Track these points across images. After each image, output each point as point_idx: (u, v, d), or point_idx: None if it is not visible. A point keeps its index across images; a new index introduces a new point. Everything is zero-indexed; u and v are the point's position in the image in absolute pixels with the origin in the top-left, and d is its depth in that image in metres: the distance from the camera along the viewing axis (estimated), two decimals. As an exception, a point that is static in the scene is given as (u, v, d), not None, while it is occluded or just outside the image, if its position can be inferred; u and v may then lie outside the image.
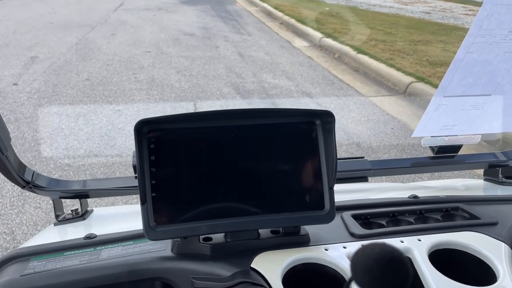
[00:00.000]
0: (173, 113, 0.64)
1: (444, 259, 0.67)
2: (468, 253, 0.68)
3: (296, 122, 0.68)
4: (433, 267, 0.63)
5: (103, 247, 0.70)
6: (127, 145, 2.87)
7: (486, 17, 0.74)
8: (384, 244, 0.29)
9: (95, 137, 3.00)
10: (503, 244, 0.68)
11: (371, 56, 5.15)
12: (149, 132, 0.63)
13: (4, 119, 0.73)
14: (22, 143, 2.89)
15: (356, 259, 0.30)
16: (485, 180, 1.04)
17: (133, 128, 0.61)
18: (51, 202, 0.86)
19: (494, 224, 0.74)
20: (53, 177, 0.87)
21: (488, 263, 0.65)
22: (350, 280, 0.30)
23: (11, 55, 5.06)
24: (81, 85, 4.12)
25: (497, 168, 1.01)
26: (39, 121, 3.31)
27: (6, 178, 0.78)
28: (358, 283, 0.29)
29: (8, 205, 2.31)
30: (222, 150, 0.65)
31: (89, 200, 0.90)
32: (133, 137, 0.62)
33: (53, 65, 4.71)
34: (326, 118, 0.67)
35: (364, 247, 0.30)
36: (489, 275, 0.64)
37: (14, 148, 0.77)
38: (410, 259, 0.67)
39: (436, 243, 0.69)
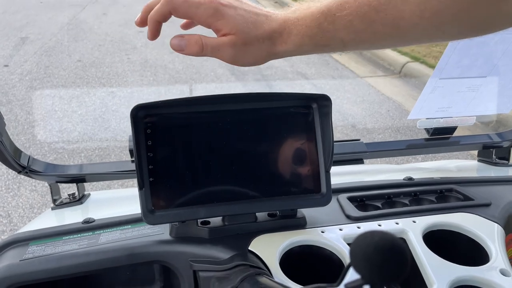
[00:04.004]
0: (169, 96, 0.63)
1: (438, 240, 0.68)
2: (462, 234, 0.69)
3: (292, 106, 0.68)
4: (427, 248, 0.64)
5: (102, 231, 0.71)
6: (122, 127, 2.86)
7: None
8: (384, 232, 0.29)
9: (89, 119, 2.98)
10: (496, 224, 0.70)
11: (367, 36, 5.11)
12: (146, 117, 0.63)
13: (-3, 104, 0.72)
14: (15, 125, 2.87)
15: (355, 247, 0.30)
16: (479, 161, 1.05)
17: (127, 110, 0.61)
18: (46, 185, 0.86)
19: (487, 205, 0.75)
20: (48, 160, 0.86)
21: (481, 243, 0.67)
22: (349, 266, 0.31)
23: (1, 36, 4.97)
24: (73, 67, 4.07)
25: (491, 149, 1.02)
26: (32, 103, 3.28)
27: (1, 163, 0.77)
28: (357, 270, 0.30)
29: (3, 188, 2.31)
30: (218, 135, 0.65)
31: (85, 183, 0.91)
32: (127, 119, 0.62)
33: (44, 46, 4.63)
34: (322, 102, 0.67)
35: (363, 235, 0.30)
36: (482, 255, 0.65)
37: (7, 131, 0.76)
38: (405, 240, 0.68)
39: (430, 225, 0.70)
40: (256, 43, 0.51)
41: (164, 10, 0.50)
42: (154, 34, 0.53)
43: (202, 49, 0.52)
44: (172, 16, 0.51)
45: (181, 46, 0.52)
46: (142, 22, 0.54)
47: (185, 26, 0.58)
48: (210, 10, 0.50)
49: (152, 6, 0.52)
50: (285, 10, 0.52)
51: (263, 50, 0.51)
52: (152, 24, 0.52)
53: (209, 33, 0.54)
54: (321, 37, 0.48)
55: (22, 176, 2.24)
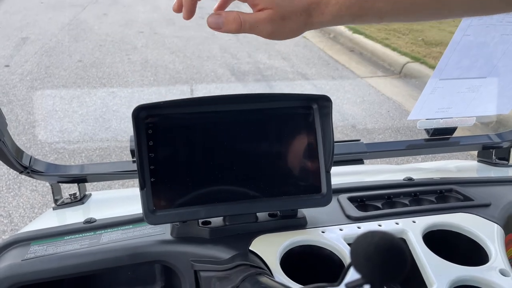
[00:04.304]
0: (170, 96, 0.64)
1: (438, 240, 0.69)
2: (461, 234, 0.69)
3: (293, 107, 0.68)
4: (427, 248, 0.64)
5: (103, 231, 0.71)
6: (122, 127, 2.87)
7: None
8: (384, 233, 0.30)
9: (89, 119, 2.98)
10: (495, 225, 0.70)
11: (367, 36, 5.11)
12: (147, 118, 0.63)
13: (-1, 103, 0.73)
14: (16, 125, 2.87)
15: (356, 247, 0.30)
16: (478, 161, 1.05)
17: (127, 110, 0.61)
18: (47, 184, 0.87)
19: (487, 205, 0.76)
20: (49, 160, 0.87)
21: (480, 243, 0.67)
22: (349, 266, 0.31)
23: (1, 36, 4.97)
24: (74, 67, 4.07)
25: (491, 150, 1.03)
26: (32, 104, 3.28)
27: (3, 164, 0.78)
28: (357, 270, 0.30)
29: (4, 188, 2.31)
30: (220, 135, 0.65)
31: (85, 184, 0.91)
32: (128, 119, 0.62)
33: (44, 46, 4.64)
34: (323, 103, 0.67)
35: (364, 235, 0.30)
36: (482, 255, 0.65)
37: (8, 131, 0.76)
38: (405, 240, 0.68)
39: (430, 225, 0.70)
40: (293, 16, 0.50)
41: None
42: (190, 11, 0.53)
43: (241, 26, 0.51)
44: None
45: (218, 24, 0.51)
46: (179, 7, 0.53)
47: (220, 7, 0.57)
48: None
49: None
50: None
51: (301, 22, 0.50)
52: (187, 2, 0.52)
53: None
54: (359, 7, 0.48)
55: (23, 176, 2.25)
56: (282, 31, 0.51)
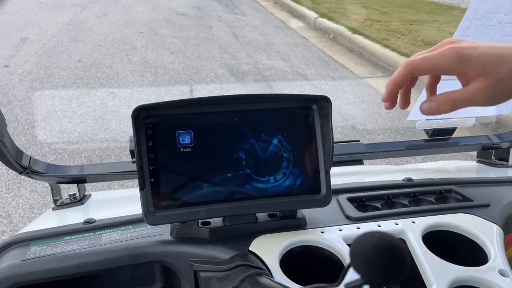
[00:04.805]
0: (169, 97, 0.64)
1: (438, 241, 0.69)
2: (461, 235, 0.69)
3: (293, 107, 0.68)
4: (426, 248, 0.65)
5: (103, 231, 0.71)
6: (122, 128, 2.87)
7: (482, 0, 0.73)
8: (383, 233, 0.30)
9: (89, 120, 2.98)
10: (494, 225, 0.70)
11: (366, 36, 5.12)
12: (147, 118, 0.63)
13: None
14: (16, 126, 2.87)
15: (355, 247, 0.30)
16: (478, 162, 1.05)
17: (127, 110, 0.61)
18: (46, 185, 0.87)
19: (486, 206, 0.76)
20: (48, 160, 0.87)
21: (480, 244, 0.67)
22: (349, 266, 0.31)
23: (1, 36, 4.97)
24: (73, 67, 4.07)
25: (490, 150, 1.03)
26: (32, 104, 3.28)
27: (3, 164, 0.78)
28: (357, 270, 0.30)
29: (3, 188, 2.31)
30: (219, 135, 0.66)
31: (85, 184, 0.91)
32: (127, 120, 0.62)
33: (44, 46, 4.64)
34: (323, 103, 0.67)
35: (363, 235, 0.30)
36: (481, 255, 0.66)
37: (8, 131, 0.76)
38: (404, 241, 0.68)
39: (429, 225, 0.70)
40: (509, 76, 0.47)
41: (405, 72, 0.50)
42: (405, 100, 0.54)
43: (455, 105, 0.50)
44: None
45: (432, 109, 0.51)
46: (389, 99, 0.54)
47: (431, 90, 0.57)
48: (453, 58, 0.48)
49: (394, 78, 0.53)
50: None
51: None
52: (391, 88, 0.52)
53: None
54: None
55: (22, 177, 2.25)
56: (501, 94, 0.49)
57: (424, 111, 0.51)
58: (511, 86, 0.48)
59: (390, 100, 0.54)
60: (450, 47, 0.48)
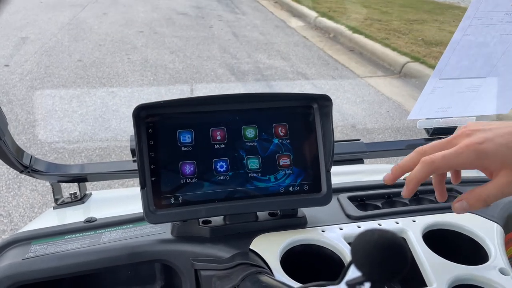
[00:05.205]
0: (170, 96, 0.64)
1: (438, 239, 0.69)
2: (461, 233, 0.70)
3: (293, 106, 0.68)
4: (427, 247, 0.65)
5: (104, 230, 0.71)
6: (122, 127, 2.87)
7: (483, -1, 0.73)
8: (384, 230, 0.30)
9: (89, 119, 2.98)
10: (495, 224, 0.70)
11: (367, 36, 5.12)
12: (148, 117, 0.63)
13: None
14: (16, 125, 2.87)
15: (356, 244, 0.31)
16: (478, 161, 1.05)
17: (127, 110, 0.61)
18: (47, 184, 0.87)
19: (486, 204, 0.76)
20: (49, 160, 0.87)
21: (480, 243, 0.67)
22: (350, 264, 0.31)
23: (1, 36, 4.97)
24: (73, 66, 4.07)
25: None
26: (32, 103, 3.28)
27: (3, 163, 0.78)
28: (358, 267, 0.30)
29: (4, 187, 2.31)
30: (220, 134, 0.66)
31: (86, 183, 0.91)
32: (127, 119, 0.62)
33: (44, 46, 4.64)
34: (323, 102, 0.67)
35: (364, 233, 0.30)
36: (481, 254, 0.66)
37: (9, 130, 0.76)
38: (405, 240, 0.68)
39: (430, 224, 0.70)
40: None
41: (427, 171, 0.52)
42: (413, 192, 0.56)
43: (486, 202, 0.51)
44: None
45: (465, 209, 0.53)
46: (392, 182, 0.58)
47: (440, 187, 0.59)
48: (471, 155, 0.49)
49: (404, 167, 0.56)
50: None
51: None
52: (414, 186, 0.54)
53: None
54: None
55: (23, 176, 2.25)
56: None
57: (457, 211, 0.53)
58: None
59: (412, 194, 0.56)
60: (468, 144, 0.49)
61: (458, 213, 0.53)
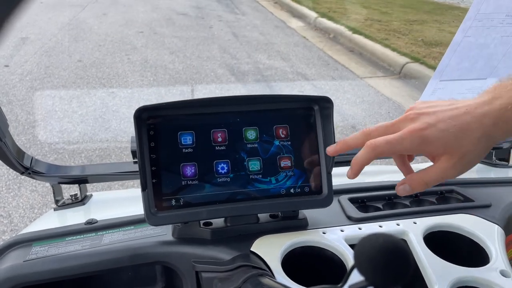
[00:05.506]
0: (170, 97, 0.64)
1: (439, 241, 0.69)
2: (462, 235, 0.70)
3: (294, 108, 0.68)
4: (428, 249, 0.65)
5: (105, 232, 0.71)
6: (122, 128, 2.87)
7: (483, 0, 0.74)
8: (388, 235, 0.30)
9: (89, 119, 2.98)
10: (496, 226, 0.70)
11: (367, 36, 5.12)
12: (149, 119, 0.63)
13: (-1, 104, 0.73)
14: (16, 126, 2.87)
15: (360, 248, 0.30)
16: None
17: (127, 110, 0.61)
18: (47, 185, 0.87)
19: (487, 206, 0.76)
20: (49, 160, 0.87)
21: (481, 244, 0.67)
22: (353, 268, 0.31)
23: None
24: (73, 67, 4.07)
25: (491, 151, 1.03)
26: (32, 104, 3.28)
27: (3, 164, 0.78)
28: (361, 272, 0.30)
29: (4, 188, 2.31)
30: (221, 136, 0.66)
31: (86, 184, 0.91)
32: (128, 120, 0.62)
33: (44, 46, 4.64)
34: (324, 104, 0.67)
35: (368, 237, 0.30)
36: (482, 256, 0.66)
37: (9, 131, 0.76)
38: (406, 241, 0.68)
39: (431, 226, 0.70)
40: (472, 148, 0.49)
41: (370, 156, 0.53)
42: (357, 174, 0.58)
43: (427, 185, 0.53)
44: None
45: (406, 190, 0.54)
46: (355, 175, 0.58)
47: (404, 168, 0.59)
48: (414, 141, 0.50)
49: (349, 144, 0.59)
50: (481, 95, 0.50)
51: (481, 148, 0.49)
52: (359, 168, 0.56)
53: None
54: None
55: (23, 177, 2.25)
56: (468, 164, 0.50)
57: (400, 192, 0.55)
58: (476, 155, 0.50)
59: (356, 175, 0.58)
60: (411, 130, 0.50)
61: (401, 195, 0.55)
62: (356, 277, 0.31)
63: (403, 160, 0.59)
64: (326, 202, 0.68)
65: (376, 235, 0.30)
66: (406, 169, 0.59)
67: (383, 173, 0.98)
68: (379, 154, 0.53)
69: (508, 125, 0.47)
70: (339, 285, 0.33)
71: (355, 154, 0.92)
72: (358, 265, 0.30)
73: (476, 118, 0.48)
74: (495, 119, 0.47)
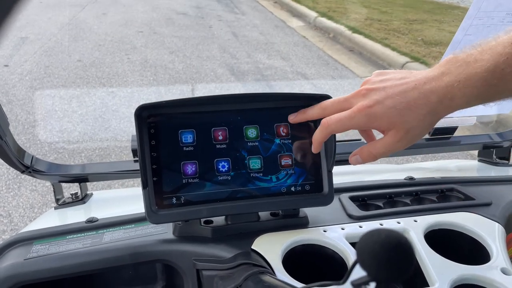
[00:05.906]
0: (170, 96, 0.64)
1: (440, 239, 0.69)
2: (463, 233, 0.70)
3: (295, 106, 0.68)
4: (428, 247, 0.65)
5: (105, 230, 0.71)
6: (122, 127, 2.86)
7: (484, -1, 0.74)
8: (390, 231, 0.30)
9: (89, 119, 2.98)
10: (496, 224, 0.70)
11: (366, 36, 5.12)
12: (149, 117, 0.63)
13: (-2, 102, 0.73)
14: (16, 125, 2.87)
15: (362, 244, 0.30)
16: (479, 161, 1.06)
17: (127, 110, 0.61)
18: (47, 184, 0.87)
19: (488, 204, 0.76)
20: (49, 160, 0.87)
21: (482, 242, 0.67)
22: (355, 264, 0.31)
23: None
24: (73, 66, 4.07)
25: (491, 149, 1.03)
26: (32, 103, 3.28)
27: (4, 163, 0.78)
28: (363, 267, 0.30)
29: (4, 187, 2.31)
30: (221, 134, 0.66)
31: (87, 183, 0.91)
32: (127, 119, 0.62)
33: (44, 46, 4.63)
34: (325, 102, 0.67)
35: (370, 232, 0.30)
36: (483, 254, 0.66)
37: (10, 130, 0.76)
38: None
39: (431, 224, 0.70)
40: (418, 123, 0.51)
41: (325, 134, 0.58)
42: (319, 149, 0.64)
43: (376, 157, 0.57)
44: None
45: (358, 161, 0.59)
46: (318, 150, 0.64)
47: (366, 137, 0.64)
48: (363, 119, 0.53)
49: (306, 115, 0.63)
50: (433, 69, 0.51)
51: (427, 123, 0.52)
52: (319, 145, 0.62)
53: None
54: (487, 93, 0.48)
55: (23, 176, 2.25)
56: (413, 138, 0.53)
57: (353, 163, 0.59)
58: (421, 130, 0.52)
59: (318, 151, 0.64)
60: (360, 108, 0.53)
61: (354, 165, 0.59)
62: (357, 273, 0.31)
63: (363, 129, 0.63)
64: (327, 200, 0.69)
65: (379, 231, 0.30)
66: (368, 136, 0.63)
67: (383, 171, 0.98)
68: (332, 132, 0.57)
69: (453, 102, 0.49)
70: (341, 281, 0.33)
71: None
72: (360, 260, 0.30)
73: (423, 94, 0.50)
74: (441, 96, 0.49)
